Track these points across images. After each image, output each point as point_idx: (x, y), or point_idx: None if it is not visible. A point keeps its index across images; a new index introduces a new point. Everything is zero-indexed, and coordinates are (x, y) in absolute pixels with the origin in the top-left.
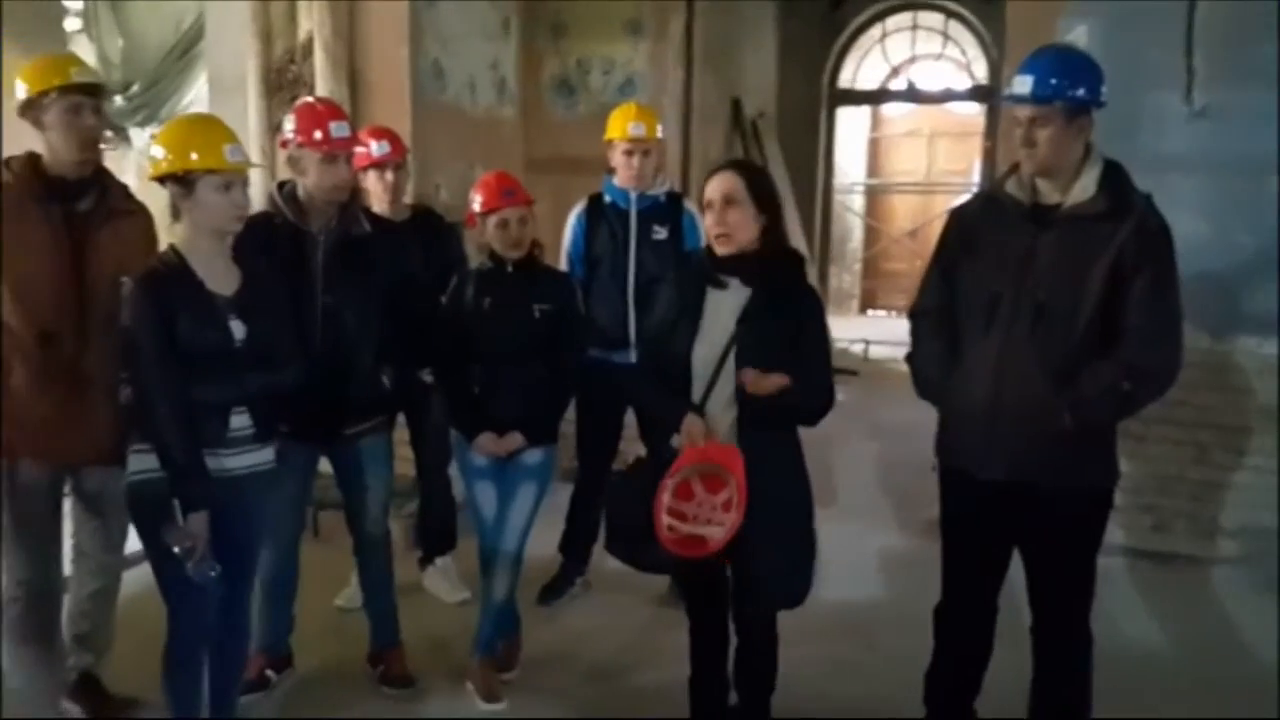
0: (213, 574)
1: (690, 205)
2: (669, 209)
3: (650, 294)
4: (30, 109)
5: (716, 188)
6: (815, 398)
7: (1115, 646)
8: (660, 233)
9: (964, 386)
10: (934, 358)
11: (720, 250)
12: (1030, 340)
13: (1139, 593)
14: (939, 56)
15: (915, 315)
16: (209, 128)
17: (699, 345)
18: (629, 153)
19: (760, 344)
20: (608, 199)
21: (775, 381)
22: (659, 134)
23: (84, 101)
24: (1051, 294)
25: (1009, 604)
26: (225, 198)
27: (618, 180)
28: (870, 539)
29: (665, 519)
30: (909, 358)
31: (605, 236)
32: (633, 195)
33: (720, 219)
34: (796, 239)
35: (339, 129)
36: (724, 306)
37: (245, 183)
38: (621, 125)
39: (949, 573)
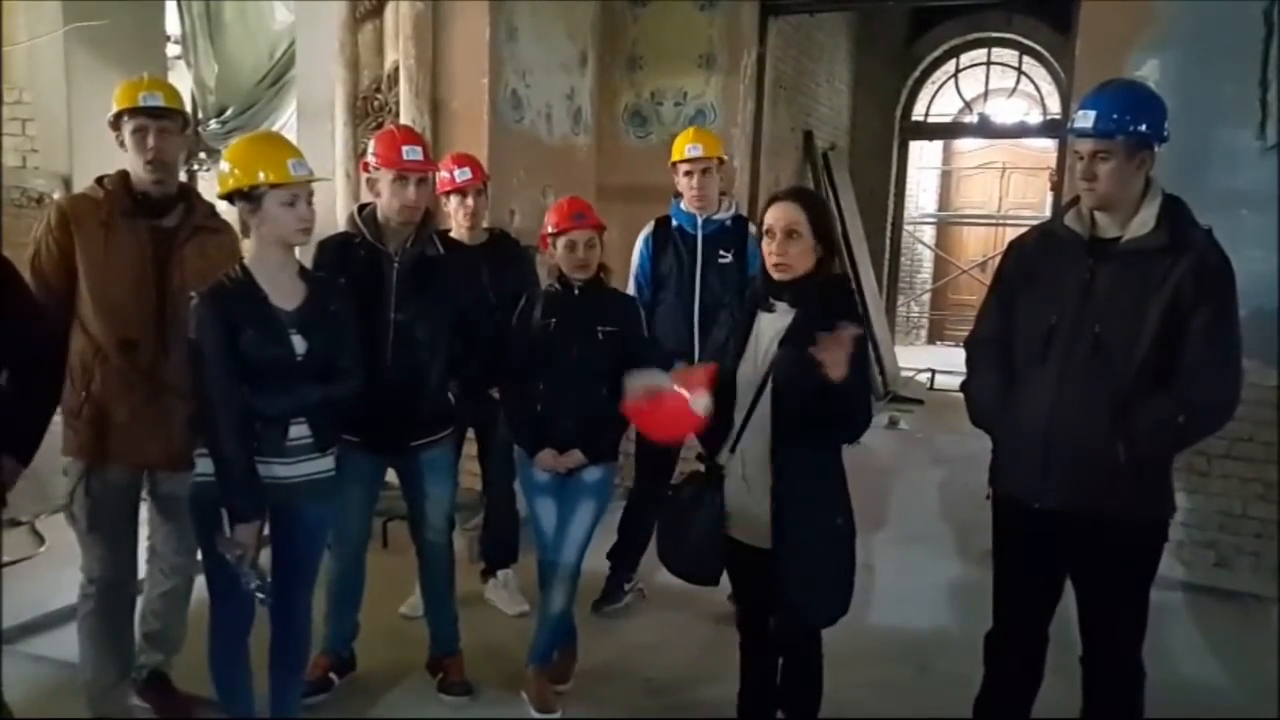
0: (254, 585)
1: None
2: (735, 233)
3: (714, 315)
4: (115, 129)
5: (779, 218)
6: (849, 418)
7: (1172, 682)
8: (726, 256)
9: (1019, 415)
10: (989, 386)
11: (778, 277)
12: (1086, 372)
13: (1198, 629)
14: (1012, 91)
15: (972, 344)
16: (273, 144)
17: (743, 365)
18: (689, 173)
19: (796, 368)
20: (675, 223)
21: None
22: (720, 154)
23: (149, 124)
24: (1108, 327)
25: (1061, 633)
26: (290, 211)
27: (684, 204)
28: (927, 565)
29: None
30: (964, 385)
31: (671, 259)
32: (699, 219)
33: (782, 249)
34: (865, 269)
35: (411, 152)
36: (769, 328)
37: (310, 196)
38: (680, 147)
39: (1000, 600)
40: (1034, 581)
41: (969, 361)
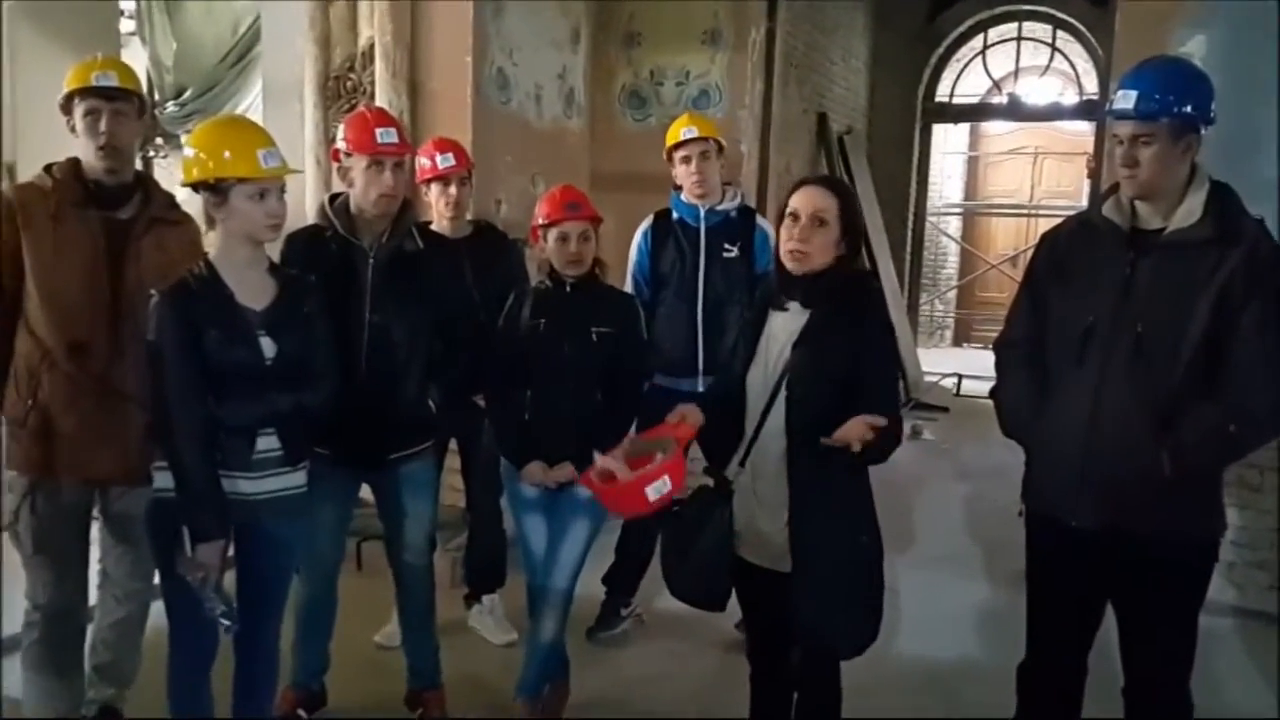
0: (218, 612)
1: (764, 222)
2: (740, 225)
3: (719, 316)
4: (65, 113)
5: (807, 202)
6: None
7: (1222, 716)
8: (731, 251)
9: (1055, 424)
10: (1022, 392)
11: (791, 267)
12: (1128, 375)
13: (1251, 657)
14: (1045, 69)
15: (1002, 347)
16: (243, 131)
17: (754, 369)
18: (686, 158)
19: (815, 372)
20: (675, 215)
21: (859, 430)
22: (719, 137)
23: (102, 107)
24: (1151, 325)
25: (1100, 664)
26: (260, 206)
27: (684, 195)
28: (955, 588)
29: (610, 463)
30: (994, 392)
31: (673, 255)
32: (701, 210)
33: (804, 236)
34: (885, 264)
35: (385, 135)
36: (782, 330)
37: (282, 189)
38: (675, 131)
39: (1035, 627)
40: (1071, 607)
41: (998, 366)
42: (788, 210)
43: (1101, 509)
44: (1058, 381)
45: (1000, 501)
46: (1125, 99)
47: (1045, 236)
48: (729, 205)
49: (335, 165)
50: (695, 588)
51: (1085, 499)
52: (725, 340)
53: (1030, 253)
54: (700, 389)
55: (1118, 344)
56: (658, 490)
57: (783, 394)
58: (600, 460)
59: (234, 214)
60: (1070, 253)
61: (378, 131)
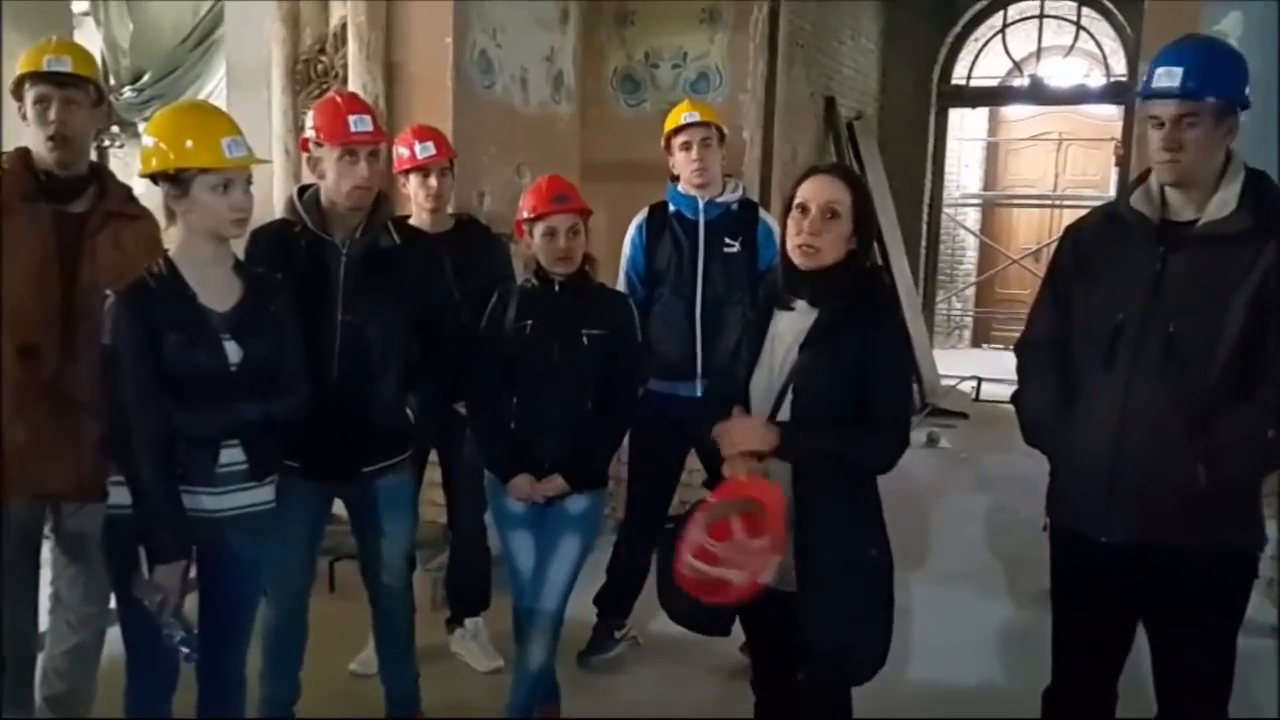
0: (178, 639)
1: (767, 216)
2: (742, 219)
3: (719, 316)
4: (17, 99)
5: (818, 192)
6: (880, 442)
7: None
8: (732, 246)
9: (1081, 432)
10: (1045, 398)
11: (800, 262)
12: (1159, 378)
13: None
14: (1070, 49)
15: (1024, 349)
16: (206, 118)
17: (758, 373)
18: (686, 144)
19: (823, 375)
20: (672, 208)
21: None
22: (721, 124)
23: (52, 94)
24: (1184, 324)
25: (1131, 688)
26: (224, 199)
27: (682, 185)
28: (975, 608)
29: (689, 559)
30: (1015, 397)
31: (669, 250)
32: (700, 203)
33: (815, 229)
34: (898, 259)
35: (359, 123)
36: (787, 330)
37: (248, 181)
38: (675, 116)
39: (1060, 650)
40: (1100, 628)
41: (1020, 369)
42: (796, 201)
43: (1132, 522)
44: (1084, 385)
45: (1023, 514)
46: (1169, 76)
47: (1069, 230)
48: (730, 197)
49: (305, 156)
50: (696, 612)
51: (1115, 512)
52: (725, 342)
53: (1054, 247)
54: (699, 394)
55: (1148, 345)
56: (772, 572)
57: (788, 399)
58: (694, 567)
59: (196, 207)
60: (1096, 247)
61: (351, 119)
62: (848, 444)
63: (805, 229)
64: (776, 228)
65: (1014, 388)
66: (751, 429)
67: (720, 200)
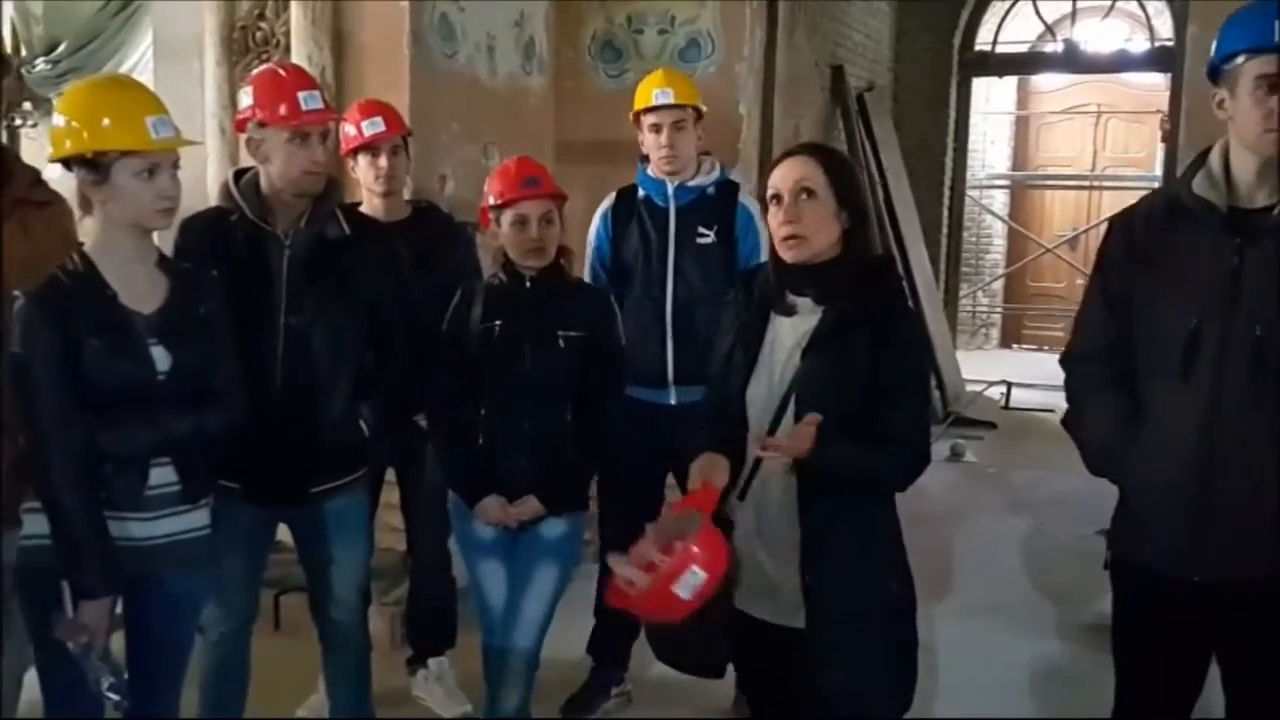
0: (105, 685)
1: (749, 199)
2: (719, 204)
3: (692, 316)
4: None
5: (785, 176)
6: (896, 458)
7: None
8: (707, 236)
9: (1156, 457)
10: (1110, 419)
11: (788, 256)
12: (1248, 391)
13: None
14: (1109, 10)
15: (1074, 360)
16: (126, 94)
17: (755, 383)
18: (657, 126)
19: (829, 384)
20: (641, 193)
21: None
22: (698, 103)
23: None
24: (1272, 327)
25: None
26: (148, 185)
27: (651, 168)
28: (1006, 645)
29: (626, 571)
30: (1069, 421)
31: (636, 241)
32: (670, 187)
33: (791, 214)
34: (915, 249)
35: (309, 99)
36: (788, 334)
37: (175, 165)
38: (645, 92)
39: (1125, 696)
40: (1170, 674)
41: (1072, 385)
42: (769, 194)
43: (1220, 560)
44: (1154, 402)
45: (1063, 537)
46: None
47: (1118, 220)
48: (705, 180)
49: (243, 137)
50: (687, 652)
51: (1204, 547)
52: (698, 344)
53: (1094, 234)
54: (672, 401)
55: (1232, 352)
56: (691, 586)
57: (790, 410)
58: (616, 566)
59: (117, 196)
60: (1156, 239)
61: (300, 96)
62: (860, 458)
63: (782, 217)
64: (758, 212)
65: (1053, 394)
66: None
67: (693, 184)
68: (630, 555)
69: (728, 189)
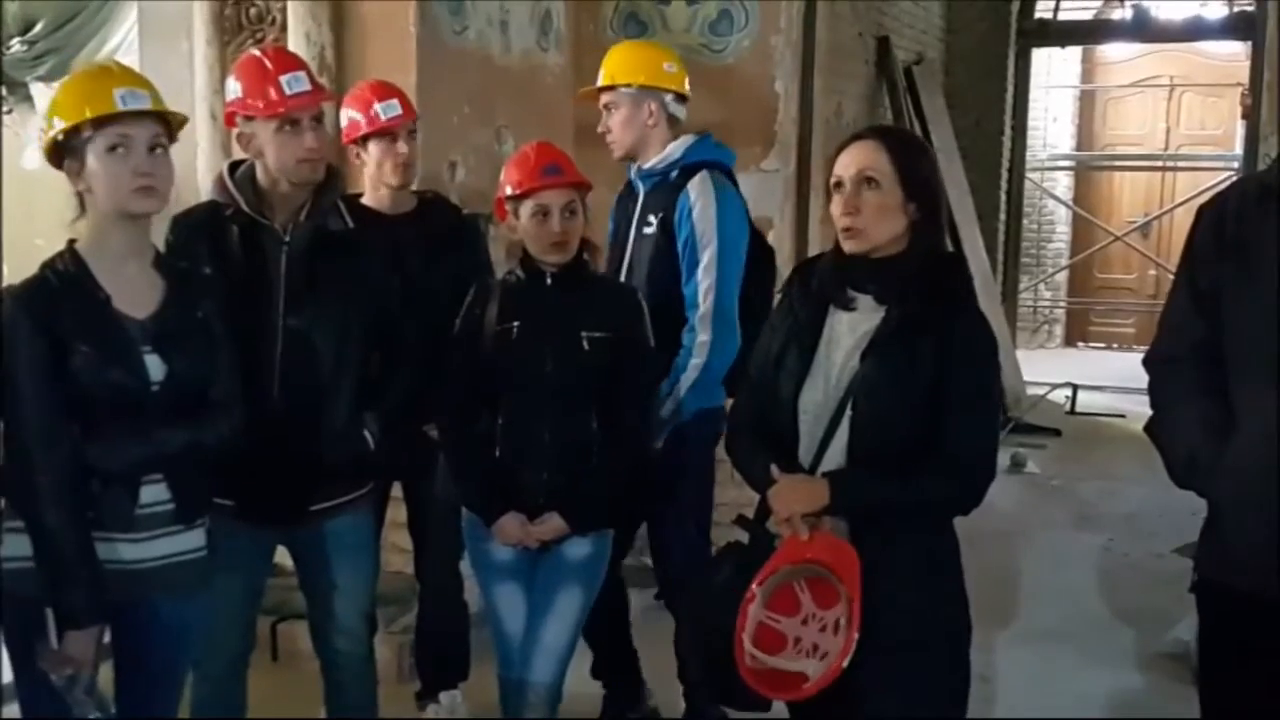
0: (91, 718)
1: (700, 182)
2: (674, 190)
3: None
4: None
5: (848, 163)
6: (960, 481)
7: None
8: (650, 225)
9: (1251, 469)
10: (1198, 427)
11: (847, 247)
12: None
13: None
14: None
15: (1159, 363)
16: (99, 72)
17: (808, 388)
18: (607, 106)
19: (889, 393)
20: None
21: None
22: (643, 80)
23: None
24: None
25: None
26: (122, 162)
27: None
28: (1079, 676)
29: (751, 647)
30: (1152, 428)
31: (615, 230)
32: (632, 172)
33: (850, 204)
34: (971, 237)
35: (294, 82)
36: (846, 332)
37: (152, 142)
38: (604, 64)
39: None
40: (1267, 708)
41: (1158, 390)
42: (831, 181)
43: None
44: (1249, 410)
45: (1135, 556)
46: None
47: (1207, 209)
48: (659, 162)
49: (234, 132)
50: (738, 691)
51: None
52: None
53: (1168, 220)
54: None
55: None
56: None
57: (846, 419)
58: (786, 663)
59: (94, 178)
60: (1249, 228)
61: (284, 80)
62: (918, 490)
63: (842, 208)
64: (700, 200)
65: (1125, 396)
66: (794, 490)
67: (647, 167)
68: (748, 629)
69: (684, 172)
